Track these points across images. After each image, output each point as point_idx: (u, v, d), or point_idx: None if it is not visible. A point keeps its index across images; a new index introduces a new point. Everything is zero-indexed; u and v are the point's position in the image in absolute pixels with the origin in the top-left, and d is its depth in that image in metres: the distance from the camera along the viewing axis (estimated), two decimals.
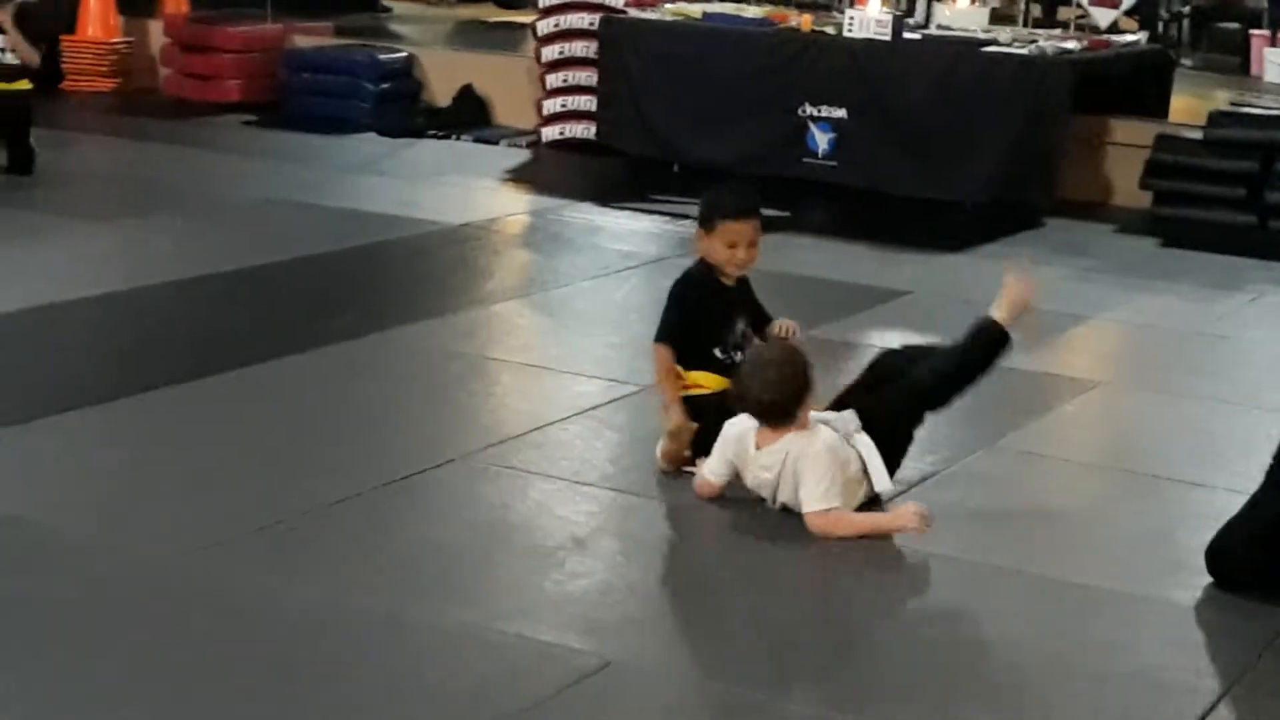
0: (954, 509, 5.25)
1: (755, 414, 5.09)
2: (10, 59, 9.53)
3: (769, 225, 8.53)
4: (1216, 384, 6.71)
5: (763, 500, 5.13)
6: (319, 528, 4.86)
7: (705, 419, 5.33)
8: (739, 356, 5.50)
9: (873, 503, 5.15)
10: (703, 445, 5.30)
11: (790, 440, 5.03)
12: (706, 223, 5.57)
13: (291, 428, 5.73)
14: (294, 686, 3.95)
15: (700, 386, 5.48)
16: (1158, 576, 4.82)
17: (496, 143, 11.34)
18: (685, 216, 9.23)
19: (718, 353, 5.55)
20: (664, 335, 5.56)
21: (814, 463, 4.99)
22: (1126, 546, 5.02)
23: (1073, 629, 4.52)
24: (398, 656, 4.11)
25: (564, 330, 7.30)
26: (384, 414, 5.92)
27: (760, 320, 5.71)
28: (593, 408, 5.98)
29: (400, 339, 6.79)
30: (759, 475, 5.11)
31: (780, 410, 5.04)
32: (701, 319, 5.57)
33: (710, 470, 5.22)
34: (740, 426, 5.15)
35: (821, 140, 9.68)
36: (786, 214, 9.13)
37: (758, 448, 5.09)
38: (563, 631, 4.25)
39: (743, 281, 5.68)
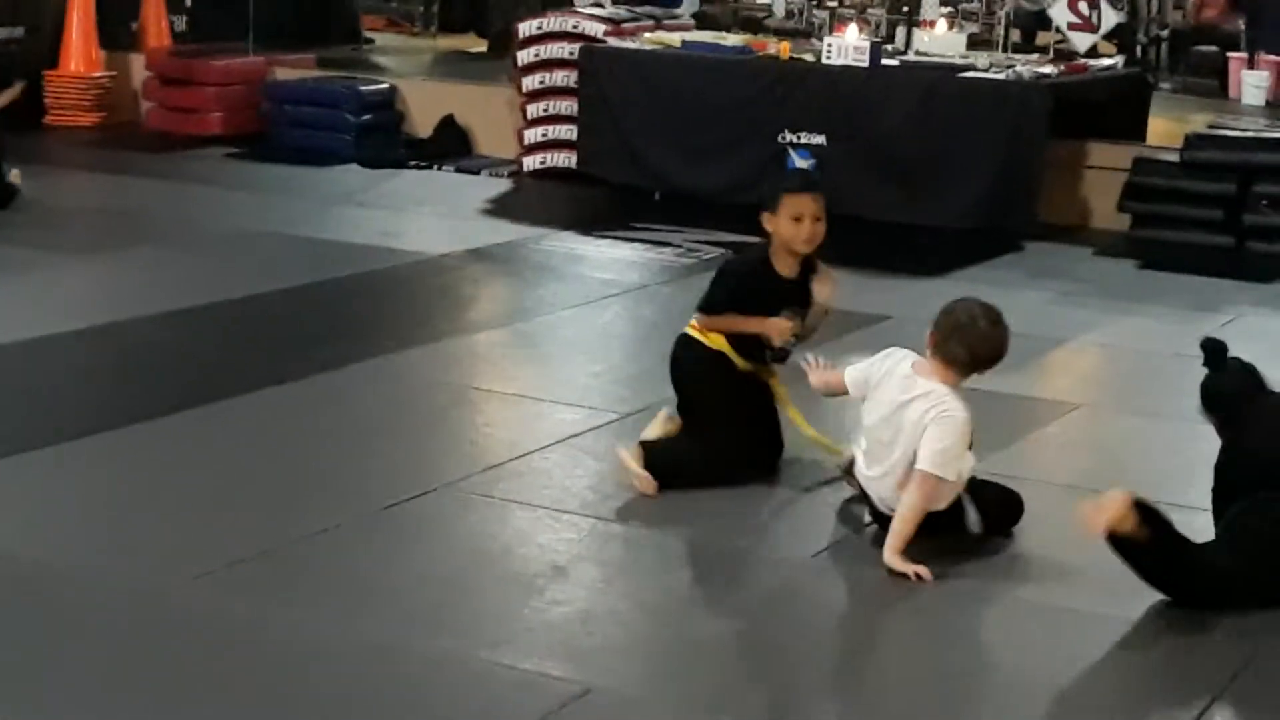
0: (932, 532, 5.27)
1: (973, 359, 5.10)
2: None
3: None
4: (1196, 404, 6.72)
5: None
6: (303, 558, 4.87)
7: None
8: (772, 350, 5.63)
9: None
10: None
11: (943, 390, 5.09)
12: (771, 202, 5.66)
13: (275, 459, 5.75)
14: (280, 715, 3.96)
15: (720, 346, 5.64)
16: (1137, 599, 4.84)
17: (478, 173, 11.37)
18: (667, 244, 9.29)
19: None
20: (711, 309, 5.66)
21: (951, 426, 5.03)
22: (1107, 569, 5.03)
23: (1052, 651, 4.54)
24: (381, 685, 4.12)
25: (546, 359, 7.32)
26: (366, 444, 5.94)
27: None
28: (573, 436, 6.01)
29: (382, 369, 6.81)
30: (894, 398, 5.11)
31: (985, 364, 5.13)
32: (745, 300, 5.62)
33: (850, 371, 5.30)
34: (901, 353, 5.23)
35: (801, 166, 9.72)
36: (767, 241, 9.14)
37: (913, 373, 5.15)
38: (543, 659, 4.27)
39: (804, 277, 5.69)
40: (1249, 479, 4.99)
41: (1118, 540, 4.72)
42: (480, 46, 15.91)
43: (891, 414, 5.11)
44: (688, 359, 5.78)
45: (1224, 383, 5.18)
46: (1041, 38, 13.47)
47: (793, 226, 5.61)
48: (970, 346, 5.10)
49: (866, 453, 5.21)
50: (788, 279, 5.67)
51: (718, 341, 5.70)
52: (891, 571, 4.90)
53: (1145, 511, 4.73)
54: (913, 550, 4.96)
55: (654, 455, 5.52)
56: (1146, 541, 4.72)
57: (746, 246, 8.85)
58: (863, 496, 5.29)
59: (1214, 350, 5.19)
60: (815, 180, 5.79)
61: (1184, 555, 4.79)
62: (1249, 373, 5.21)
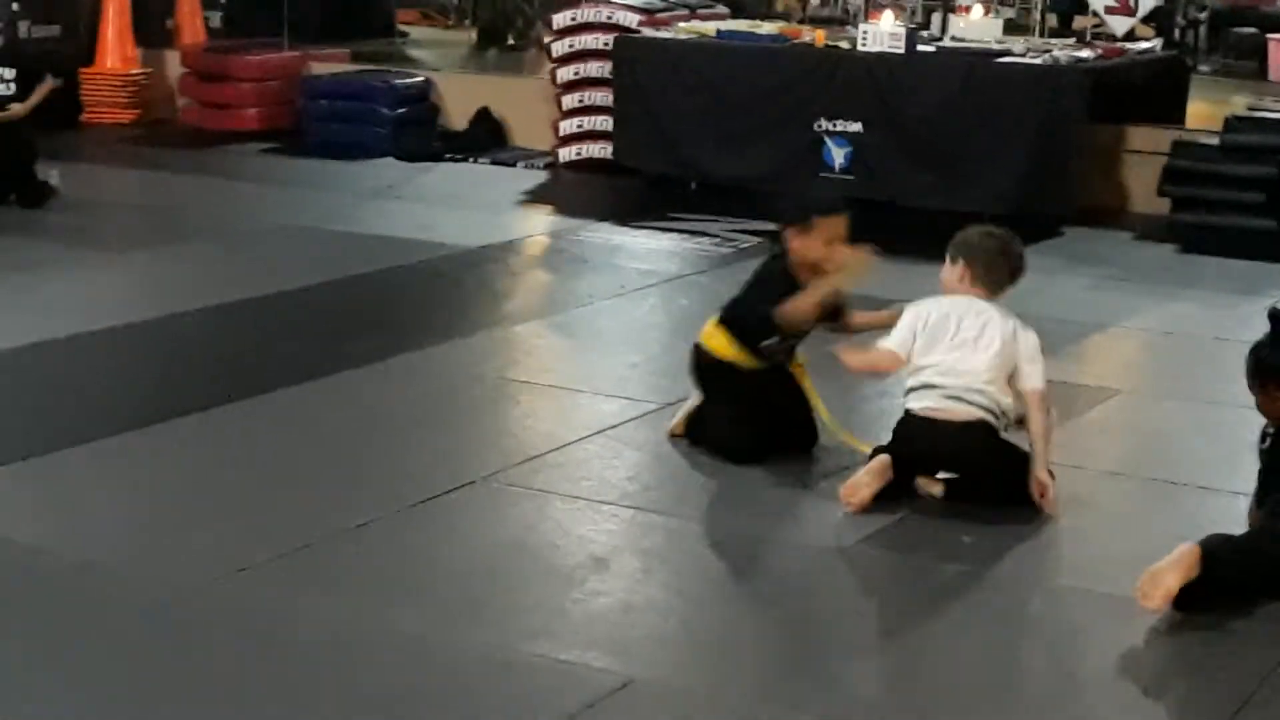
0: (976, 518, 5.25)
1: (1013, 277, 5.45)
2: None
3: None
4: (1237, 389, 6.63)
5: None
6: (343, 551, 4.87)
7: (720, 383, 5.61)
8: (784, 343, 5.69)
9: None
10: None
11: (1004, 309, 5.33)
12: (802, 221, 5.62)
13: (314, 452, 5.76)
14: (321, 709, 3.96)
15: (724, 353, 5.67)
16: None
17: (514, 165, 11.37)
18: (703, 234, 9.27)
19: (765, 341, 5.66)
20: (779, 311, 5.59)
21: (1034, 338, 5.35)
22: (1147, 556, 4.99)
23: (1090, 638, 4.51)
24: (421, 678, 4.12)
25: (583, 350, 7.31)
26: (405, 436, 5.94)
27: (832, 316, 5.79)
28: (612, 427, 5.99)
29: (420, 362, 6.81)
30: (962, 312, 5.29)
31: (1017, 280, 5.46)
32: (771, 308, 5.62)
33: (896, 341, 5.36)
34: (936, 298, 5.41)
35: (838, 154, 9.69)
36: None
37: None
38: (584, 650, 4.26)
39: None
40: None
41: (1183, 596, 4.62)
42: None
43: (967, 318, 5.30)
44: (697, 368, 5.83)
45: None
46: (1079, 22, 13.40)
47: (825, 249, 5.58)
48: (1013, 269, 5.49)
49: (947, 356, 5.29)
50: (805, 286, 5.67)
51: (721, 348, 5.69)
52: (1039, 486, 5.21)
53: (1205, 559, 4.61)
54: (947, 531, 4.94)
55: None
56: (1204, 581, 4.63)
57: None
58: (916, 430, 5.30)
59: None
60: (846, 199, 5.79)
61: (1257, 563, 4.71)
62: None
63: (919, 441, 5.29)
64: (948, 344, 5.31)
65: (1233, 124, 9.60)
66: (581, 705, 3.98)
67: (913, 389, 5.36)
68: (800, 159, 9.79)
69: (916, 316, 5.40)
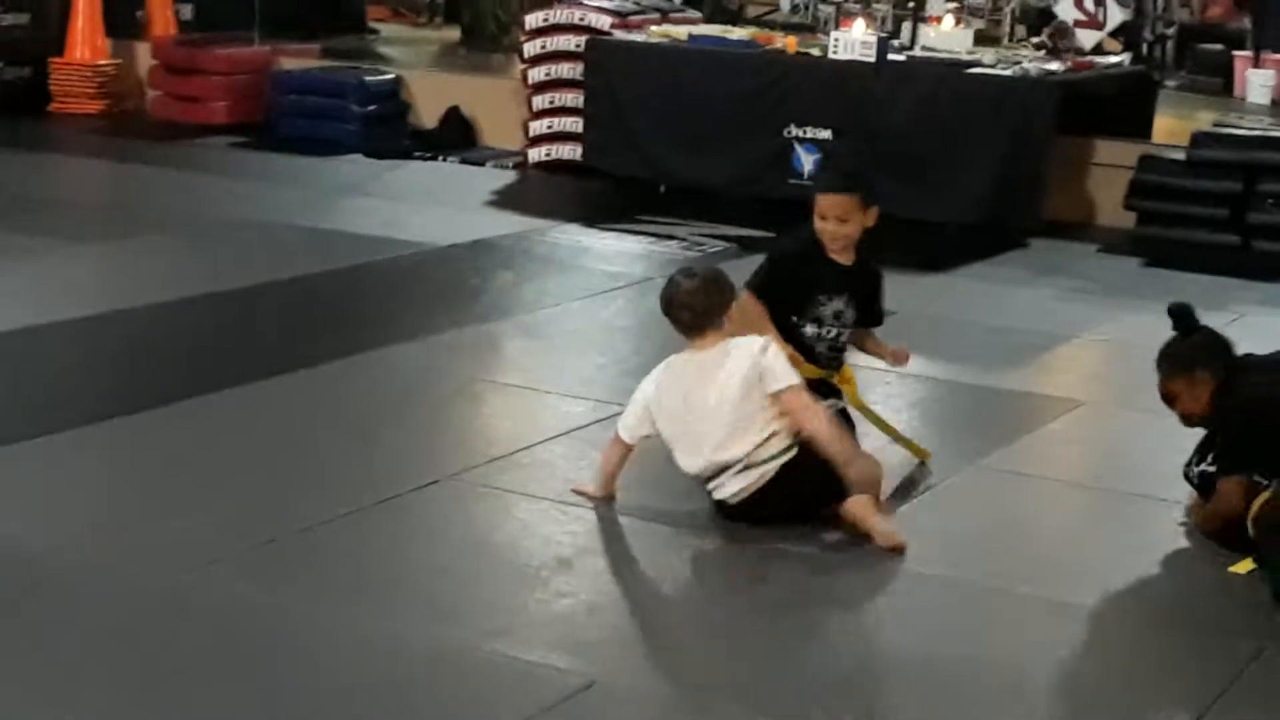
0: (939, 528, 5.29)
1: (686, 320, 5.18)
2: None
3: (753, 246, 8.63)
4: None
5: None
6: (306, 548, 4.87)
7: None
8: (825, 333, 5.64)
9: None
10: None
11: (730, 341, 5.14)
12: (811, 196, 5.78)
13: (279, 448, 5.75)
14: (284, 706, 3.96)
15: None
16: (1138, 595, 4.85)
17: (483, 164, 11.37)
18: (671, 237, 9.29)
19: (795, 319, 5.65)
20: (751, 284, 5.64)
21: (776, 352, 5.11)
22: (1109, 565, 5.03)
23: (1054, 648, 4.54)
24: (384, 676, 4.12)
25: (550, 351, 7.32)
26: (371, 434, 5.93)
27: (867, 317, 5.80)
28: (578, 428, 6.00)
29: (387, 360, 6.81)
30: (716, 375, 5.07)
31: (711, 316, 5.14)
32: (787, 280, 5.65)
33: (624, 427, 5.24)
34: (654, 373, 5.24)
35: (807, 161, 9.72)
36: (772, 235, 9.15)
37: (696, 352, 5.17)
38: (548, 651, 4.27)
39: (865, 270, 5.75)
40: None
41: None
42: None
43: (731, 383, 5.12)
44: None
45: (1201, 339, 5.32)
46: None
47: (819, 223, 5.68)
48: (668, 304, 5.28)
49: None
50: (841, 264, 5.71)
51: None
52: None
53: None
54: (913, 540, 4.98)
55: None
56: None
57: (753, 241, 8.93)
58: None
59: (1181, 314, 5.25)
60: (837, 181, 5.79)
61: None
62: (1218, 341, 5.30)
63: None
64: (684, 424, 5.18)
65: (1199, 139, 9.66)
66: (544, 706, 3.99)
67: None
68: (769, 165, 9.82)
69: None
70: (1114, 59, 11.18)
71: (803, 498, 5.12)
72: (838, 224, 5.64)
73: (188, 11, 13.68)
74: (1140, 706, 4.26)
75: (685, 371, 5.19)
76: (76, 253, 8.45)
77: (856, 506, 5.07)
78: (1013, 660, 4.46)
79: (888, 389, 6.55)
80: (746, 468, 5.09)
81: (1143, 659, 4.57)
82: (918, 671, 4.38)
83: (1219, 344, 5.33)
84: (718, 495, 5.17)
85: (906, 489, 5.54)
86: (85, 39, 12.67)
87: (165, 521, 4.98)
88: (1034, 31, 14.23)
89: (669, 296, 5.26)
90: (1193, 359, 5.30)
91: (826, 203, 5.67)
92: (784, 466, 5.09)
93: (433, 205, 10.07)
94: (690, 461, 5.16)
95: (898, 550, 4.97)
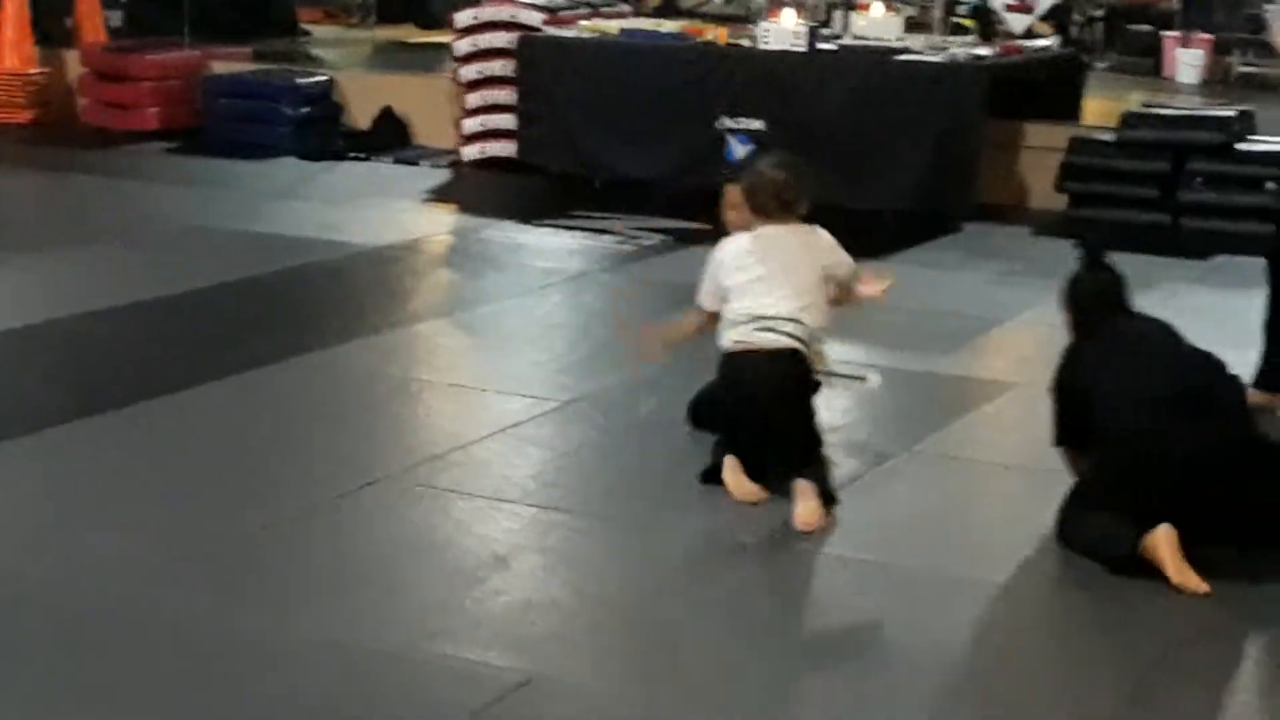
0: (875, 513, 5.32)
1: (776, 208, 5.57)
2: None
3: (689, 238, 8.66)
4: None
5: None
6: (244, 554, 4.87)
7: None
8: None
9: None
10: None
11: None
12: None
13: (215, 454, 5.74)
14: (224, 712, 3.96)
15: None
16: (1072, 576, 4.89)
17: (417, 163, 11.36)
18: (606, 232, 9.30)
19: None
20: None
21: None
22: (1043, 547, 5.07)
23: (988, 631, 4.58)
24: (324, 679, 4.13)
25: (487, 349, 7.32)
26: (308, 437, 5.93)
27: None
28: (515, 425, 6.01)
29: (323, 362, 6.80)
30: (781, 245, 5.49)
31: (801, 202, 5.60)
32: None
33: (704, 297, 5.58)
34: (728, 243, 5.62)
35: (740, 151, 9.74)
36: (708, 227, 9.16)
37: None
38: (485, 649, 4.28)
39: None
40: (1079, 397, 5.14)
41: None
42: (419, 37, 15.86)
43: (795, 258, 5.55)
44: None
45: (1088, 283, 5.39)
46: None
47: (727, 213, 5.91)
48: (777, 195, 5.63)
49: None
50: None
51: None
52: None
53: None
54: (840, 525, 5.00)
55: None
56: None
57: (688, 234, 8.95)
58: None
59: (1092, 248, 5.38)
60: (735, 174, 6.06)
61: None
62: (1117, 283, 5.35)
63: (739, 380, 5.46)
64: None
65: (1128, 120, 9.75)
66: (484, 703, 4.01)
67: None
68: (703, 156, 9.83)
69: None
70: (1043, 42, 11.25)
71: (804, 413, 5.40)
72: (727, 210, 5.93)
73: (117, 18, 13.61)
74: (1076, 684, 4.30)
75: (779, 236, 5.54)
76: (9, 262, 8.39)
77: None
78: (946, 644, 4.50)
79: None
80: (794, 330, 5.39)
81: (1078, 639, 4.61)
82: (856, 657, 4.41)
83: (1091, 292, 5.38)
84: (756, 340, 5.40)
85: (842, 476, 5.56)
86: (14, 47, 12.59)
87: (102, 530, 4.96)
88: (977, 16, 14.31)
89: (768, 181, 5.60)
90: (1064, 295, 5.46)
91: (730, 191, 5.94)
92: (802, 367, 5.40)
93: (367, 206, 10.05)
94: (763, 303, 5.42)
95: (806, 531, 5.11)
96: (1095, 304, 5.34)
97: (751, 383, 5.37)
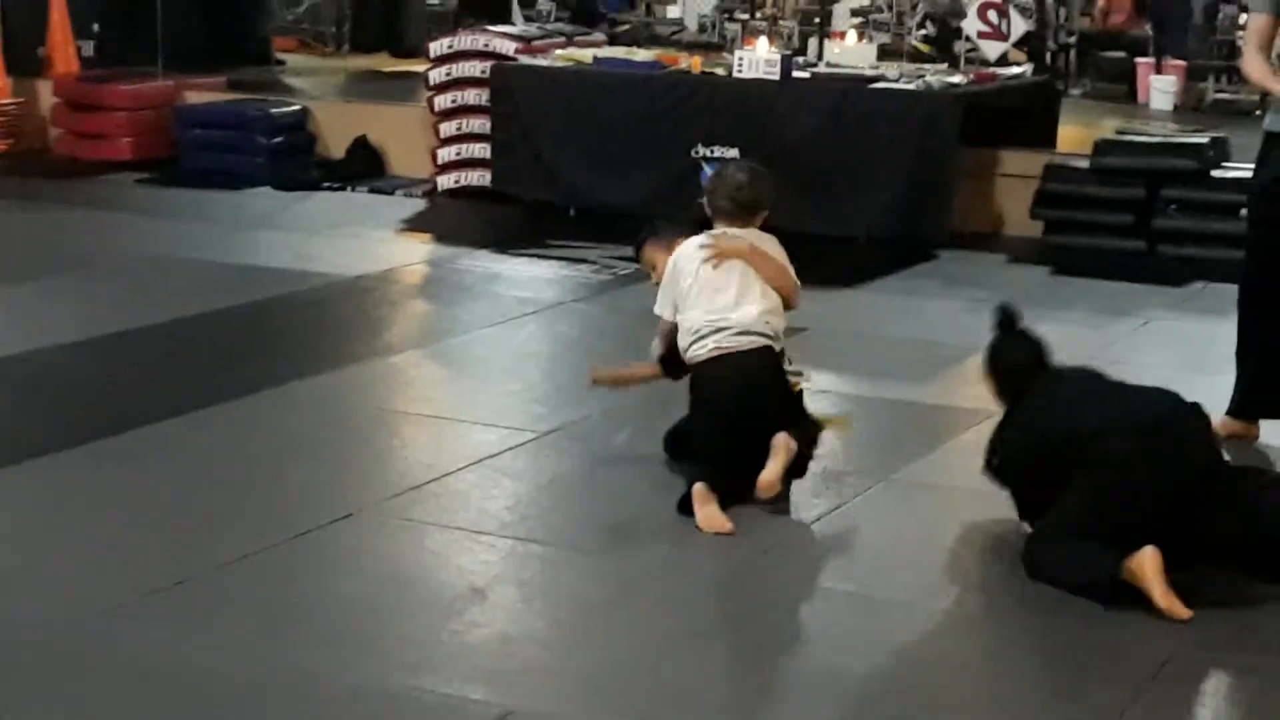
0: (853, 543, 5.31)
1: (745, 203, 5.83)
2: None
3: None
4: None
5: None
6: (220, 586, 4.83)
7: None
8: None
9: None
10: None
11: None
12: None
13: (191, 485, 5.70)
14: None
15: None
16: (1053, 604, 4.87)
17: (391, 193, 11.33)
18: (582, 261, 9.28)
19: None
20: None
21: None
22: (1023, 577, 5.06)
23: (969, 661, 4.56)
24: (300, 712, 4.10)
25: (463, 379, 7.30)
26: (282, 469, 5.90)
27: None
28: (491, 456, 5.99)
29: (298, 393, 6.77)
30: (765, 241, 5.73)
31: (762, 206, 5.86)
32: None
33: (662, 307, 5.76)
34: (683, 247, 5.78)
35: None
36: None
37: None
38: (463, 682, 4.26)
39: None
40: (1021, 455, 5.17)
41: None
42: (394, 66, 15.84)
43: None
44: None
45: (1010, 350, 5.42)
46: (955, 47, 13.53)
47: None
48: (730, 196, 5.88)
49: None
50: None
51: None
52: None
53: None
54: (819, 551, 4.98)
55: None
56: None
57: None
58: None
59: (1006, 316, 5.44)
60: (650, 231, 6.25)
61: None
62: (1036, 346, 5.40)
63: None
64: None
65: (1102, 147, 9.76)
66: None
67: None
68: (677, 185, 9.80)
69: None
70: (1017, 69, 11.27)
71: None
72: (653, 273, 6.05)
73: (89, 48, 13.55)
74: (1060, 713, 4.28)
75: (734, 237, 5.73)
76: None
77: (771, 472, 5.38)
78: (924, 674, 4.48)
79: None
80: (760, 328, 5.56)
81: (1060, 668, 4.59)
82: (832, 686, 4.39)
83: (1016, 357, 5.42)
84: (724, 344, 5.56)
85: (820, 505, 5.55)
86: None
87: (76, 563, 4.93)
88: (943, 45, 14.37)
89: (728, 183, 5.86)
90: (986, 364, 5.51)
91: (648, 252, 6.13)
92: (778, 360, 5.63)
93: (342, 236, 10.02)
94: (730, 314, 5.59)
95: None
96: (1024, 367, 5.37)
97: (730, 379, 5.53)
